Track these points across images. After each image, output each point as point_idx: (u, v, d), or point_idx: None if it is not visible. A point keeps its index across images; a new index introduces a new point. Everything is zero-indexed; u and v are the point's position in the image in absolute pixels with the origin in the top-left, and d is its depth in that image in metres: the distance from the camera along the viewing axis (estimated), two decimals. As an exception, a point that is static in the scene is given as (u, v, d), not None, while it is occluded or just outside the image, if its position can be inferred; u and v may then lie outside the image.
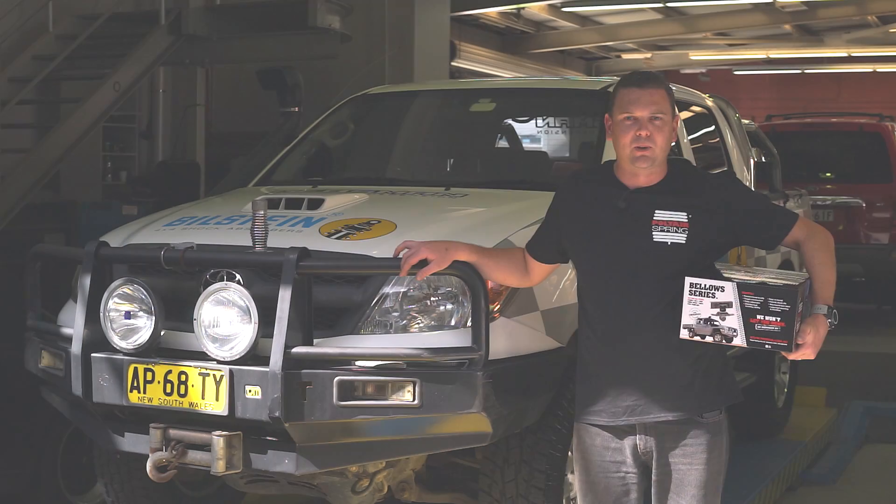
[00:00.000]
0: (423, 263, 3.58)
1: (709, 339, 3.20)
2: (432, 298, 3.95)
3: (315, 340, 3.87)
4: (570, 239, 3.50)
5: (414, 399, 3.76)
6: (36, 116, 9.54)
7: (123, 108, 9.77)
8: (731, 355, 3.69)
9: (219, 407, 3.84)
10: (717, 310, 3.18)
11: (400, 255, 3.62)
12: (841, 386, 8.36)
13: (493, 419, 3.85)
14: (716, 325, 3.18)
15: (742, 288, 3.16)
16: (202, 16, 9.55)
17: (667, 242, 3.29)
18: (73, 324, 4.17)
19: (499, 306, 3.97)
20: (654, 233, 3.31)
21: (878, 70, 24.21)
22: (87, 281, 4.16)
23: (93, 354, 4.08)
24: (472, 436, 3.93)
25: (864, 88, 24.78)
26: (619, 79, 3.55)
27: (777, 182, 7.95)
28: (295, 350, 3.77)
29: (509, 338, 3.98)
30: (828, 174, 13.02)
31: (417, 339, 3.89)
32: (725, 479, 3.50)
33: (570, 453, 4.25)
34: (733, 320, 3.17)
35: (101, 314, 4.08)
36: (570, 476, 4.28)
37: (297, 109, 9.68)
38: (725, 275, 3.26)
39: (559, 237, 3.53)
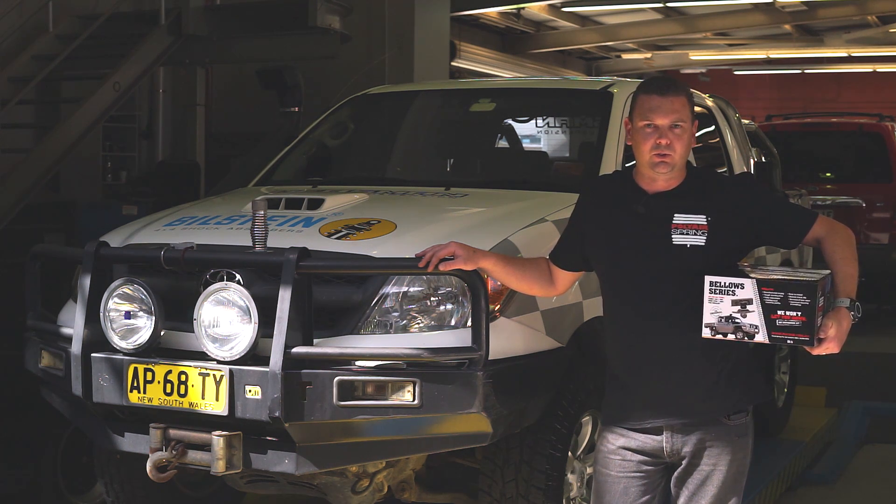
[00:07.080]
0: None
1: (731, 336, 3.19)
2: (432, 298, 3.95)
3: (315, 340, 3.86)
4: (592, 245, 3.50)
5: (414, 399, 3.75)
6: (36, 116, 9.52)
7: (123, 108, 9.75)
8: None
9: (219, 407, 3.84)
10: (738, 307, 3.17)
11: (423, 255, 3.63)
12: (841, 386, 8.35)
13: (493, 419, 3.85)
14: (737, 323, 3.18)
15: (761, 284, 3.16)
16: (202, 16, 9.53)
17: (686, 245, 3.30)
18: (73, 324, 4.17)
19: (499, 306, 3.96)
20: (673, 236, 3.32)
21: (878, 70, 24.20)
22: (87, 281, 4.16)
23: (93, 354, 4.08)
24: (472, 436, 3.93)
25: (864, 88, 24.77)
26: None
27: (777, 182, 7.95)
28: (295, 350, 3.77)
29: (509, 338, 3.97)
30: (828, 174, 13.03)
31: (417, 339, 3.89)
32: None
33: (570, 453, 4.26)
34: (754, 317, 3.16)
35: (101, 314, 4.08)
36: (570, 476, 4.28)
37: (297, 109, 9.67)
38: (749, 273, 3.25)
39: (582, 244, 3.54)
